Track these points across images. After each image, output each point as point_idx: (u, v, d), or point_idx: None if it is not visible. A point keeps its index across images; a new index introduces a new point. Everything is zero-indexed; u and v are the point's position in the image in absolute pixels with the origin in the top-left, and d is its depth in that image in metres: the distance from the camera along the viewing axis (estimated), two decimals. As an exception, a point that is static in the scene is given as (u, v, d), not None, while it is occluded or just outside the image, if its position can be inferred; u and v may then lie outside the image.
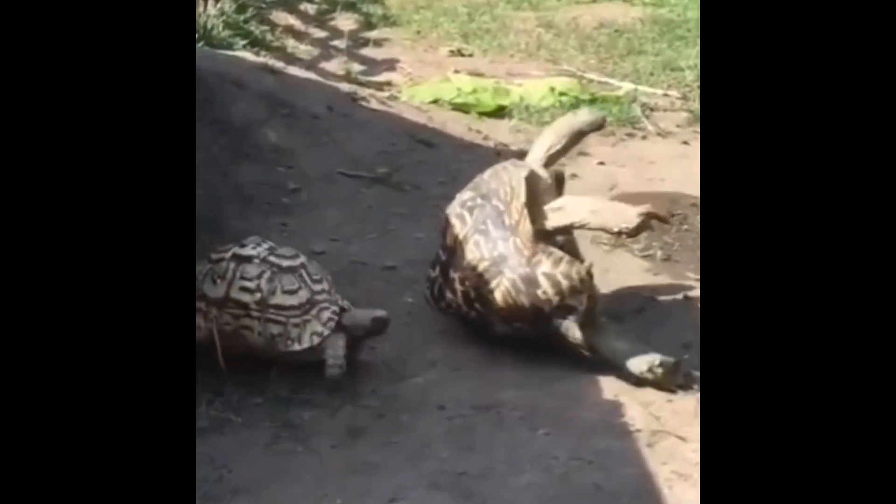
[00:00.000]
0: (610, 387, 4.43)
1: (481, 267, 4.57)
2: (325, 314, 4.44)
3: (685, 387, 4.36)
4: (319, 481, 3.87)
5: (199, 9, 7.84)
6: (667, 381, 4.37)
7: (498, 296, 4.53)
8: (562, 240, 4.67)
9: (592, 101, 7.30)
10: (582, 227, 4.60)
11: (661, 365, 4.37)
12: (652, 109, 7.39)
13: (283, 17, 8.72)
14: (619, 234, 4.58)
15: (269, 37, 8.28)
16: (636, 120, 7.23)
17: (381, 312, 4.52)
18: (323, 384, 4.36)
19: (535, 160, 4.88)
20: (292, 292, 4.43)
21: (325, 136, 6.38)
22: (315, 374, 4.37)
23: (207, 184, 5.70)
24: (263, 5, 8.65)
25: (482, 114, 7.22)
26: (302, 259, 4.52)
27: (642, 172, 6.45)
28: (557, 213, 4.60)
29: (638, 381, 4.39)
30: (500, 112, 7.25)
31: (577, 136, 5.01)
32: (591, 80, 7.90)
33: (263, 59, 7.37)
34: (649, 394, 4.36)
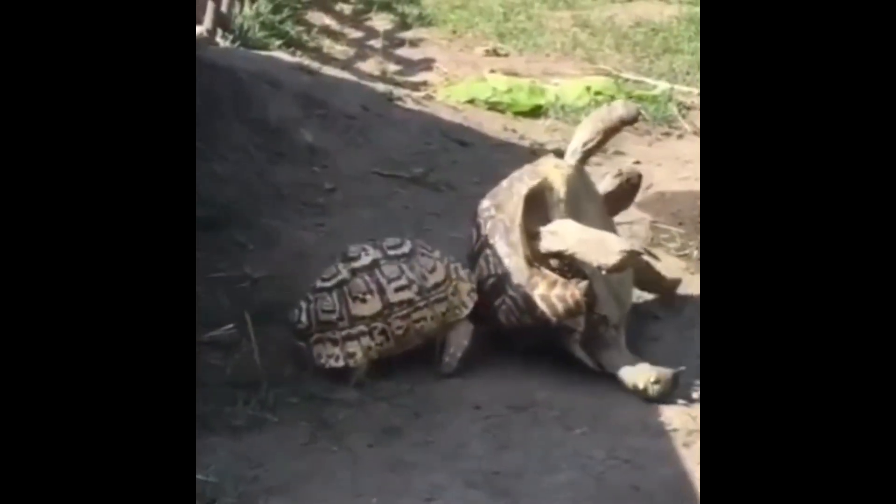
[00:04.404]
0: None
1: (488, 283, 4.56)
2: (463, 272, 4.56)
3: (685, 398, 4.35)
4: (355, 480, 3.87)
5: (235, 9, 7.87)
6: (665, 394, 4.35)
7: (501, 314, 4.54)
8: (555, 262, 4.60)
9: (628, 99, 7.27)
10: (570, 256, 4.51)
11: (657, 381, 4.35)
12: (688, 108, 7.36)
13: (318, 18, 8.73)
14: (600, 269, 4.46)
15: (304, 37, 8.29)
16: (672, 119, 7.21)
17: None
18: (444, 367, 4.47)
19: (571, 157, 4.84)
20: (433, 270, 4.48)
21: (361, 136, 6.38)
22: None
23: (244, 183, 5.73)
24: (299, 6, 8.67)
25: (518, 113, 7.21)
26: (409, 242, 4.55)
27: (678, 171, 6.43)
28: (550, 238, 4.53)
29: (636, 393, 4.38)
30: (535, 111, 7.24)
31: (613, 131, 4.94)
32: (627, 79, 7.88)
33: (299, 59, 7.38)
34: (686, 393, 4.35)
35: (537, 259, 4.51)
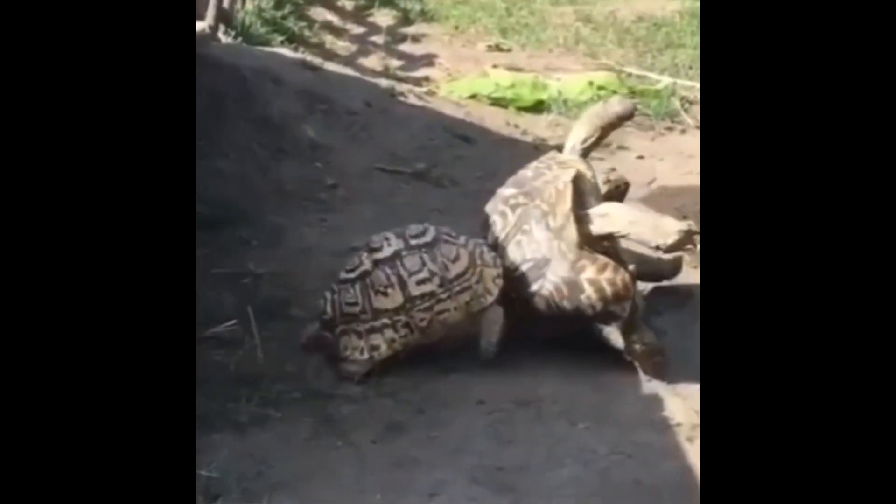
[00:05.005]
0: (650, 381, 4.43)
1: (523, 268, 4.54)
2: (489, 256, 4.51)
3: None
4: (359, 476, 3.87)
5: (237, 5, 7.87)
6: (645, 360, 4.45)
7: (539, 299, 4.51)
8: (607, 244, 4.62)
9: (631, 94, 7.27)
10: (622, 237, 4.54)
11: (645, 343, 4.43)
12: (691, 103, 7.37)
13: (320, 13, 8.73)
14: (657, 248, 4.51)
15: (307, 33, 8.29)
16: (675, 114, 7.21)
17: None
18: (483, 354, 4.48)
19: (573, 154, 4.84)
20: (456, 258, 4.45)
21: (363, 132, 6.39)
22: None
23: (246, 180, 5.73)
24: (301, 1, 8.67)
25: (520, 108, 7.22)
26: (433, 230, 4.51)
27: (681, 166, 6.43)
28: (601, 220, 4.53)
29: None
30: (538, 107, 7.24)
31: (611, 127, 4.94)
32: (629, 74, 7.88)
33: (301, 55, 7.39)
34: (689, 388, 4.34)
35: (587, 242, 4.51)
